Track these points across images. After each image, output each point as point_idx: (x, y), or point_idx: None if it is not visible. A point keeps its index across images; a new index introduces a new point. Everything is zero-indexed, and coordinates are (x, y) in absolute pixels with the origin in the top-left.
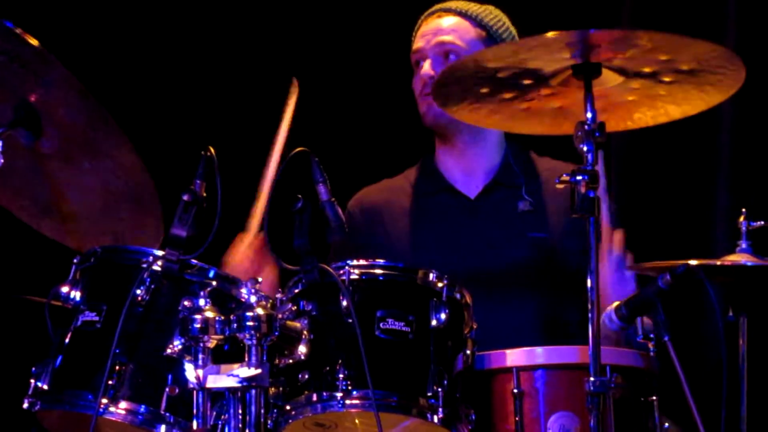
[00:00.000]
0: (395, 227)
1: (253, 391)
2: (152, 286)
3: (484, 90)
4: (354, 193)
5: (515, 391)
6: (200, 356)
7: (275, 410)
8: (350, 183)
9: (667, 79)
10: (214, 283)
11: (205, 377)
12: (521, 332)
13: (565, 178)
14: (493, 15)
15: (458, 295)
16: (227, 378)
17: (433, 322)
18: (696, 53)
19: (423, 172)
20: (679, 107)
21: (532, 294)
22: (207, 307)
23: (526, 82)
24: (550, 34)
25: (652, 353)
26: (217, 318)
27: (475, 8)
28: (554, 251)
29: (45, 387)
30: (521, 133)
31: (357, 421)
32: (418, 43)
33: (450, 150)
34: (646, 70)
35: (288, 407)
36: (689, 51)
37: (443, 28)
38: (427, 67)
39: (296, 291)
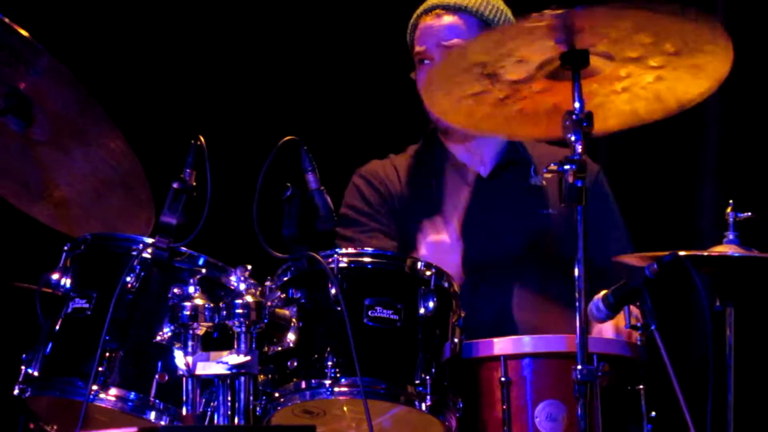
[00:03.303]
0: (412, 207)
1: (242, 378)
2: (142, 274)
3: (474, 90)
4: (345, 177)
5: (502, 379)
6: (190, 343)
7: (264, 397)
8: (340, 172)
9: (654, 63)
10: (203, 270)
11: (194, 364)
12: (533, 309)
13: (553, 167)
14: (491, 5)
15: (446, 284)
16: (216, 365)
17: (421, 311)
18: (681, 31)
19: (431, 151)
20: (672, 96)
21: (544, 271)
22: (196, 295)
23: (515, 77)
24: (531, 18)
25: (638, 342)
26: (206, 305)
27: (471, 1)
28: (561, 228)
29: (35, 373)
30: (520, 138)
31: (345, 408)
32: (420, 45)
33: (459, 135)
34: (633, 54)
35: (277, 394)
36: (674, 29)
37: (444, 29)
38: None
39: (285, 279)
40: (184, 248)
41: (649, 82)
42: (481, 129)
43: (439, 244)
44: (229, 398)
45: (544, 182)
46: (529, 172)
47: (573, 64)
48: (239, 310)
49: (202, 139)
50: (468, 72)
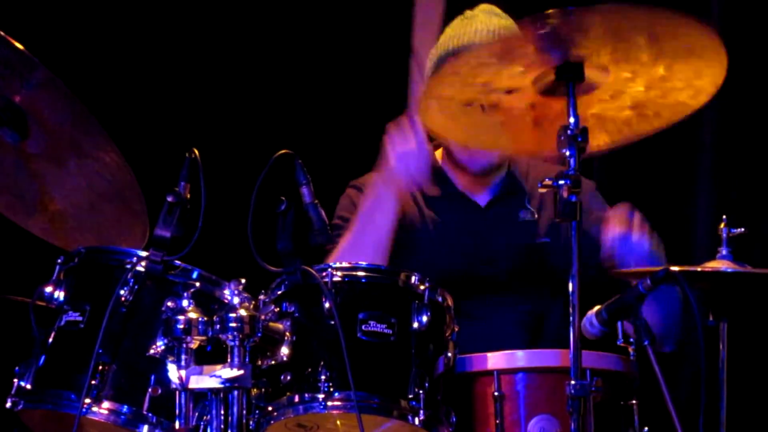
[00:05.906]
0: (408, 235)
1: (236, 392)
2: (136, 287)
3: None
4: (340, 190)
5: (496, 393)
6: (183, 357)
7: (257, 411)
8: (334, 186)
9: (649, 74)
10: (197, 284)
11: (187, 378)
12: (528, 337)
13: (547, 182)
14: None
15: (440, 298)
16: (210, 379)
17: (415, 325)
18: (674, 35)
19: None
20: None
21: (537, 298)
22: (190, 308)
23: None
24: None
25: (632, 357)
26: (200, 319)
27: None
28: (558, 255)
29: (28, 386)
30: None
31: (338, 422)
32: None
33: (466, 168)
34: (628, 70)
35: (270, 408)
36: (667, 34)
37: None
38: None
39: (279, 292)
40: (178, 261)
41: (641, 91)
42: (472, 141)
43: (407, 153)
44: (222, 412)
45: (535, 215)
46: (524, 203)
47: (567, 78)
48: (233, 324)
49: (196, 152)
50: (469, 86)
